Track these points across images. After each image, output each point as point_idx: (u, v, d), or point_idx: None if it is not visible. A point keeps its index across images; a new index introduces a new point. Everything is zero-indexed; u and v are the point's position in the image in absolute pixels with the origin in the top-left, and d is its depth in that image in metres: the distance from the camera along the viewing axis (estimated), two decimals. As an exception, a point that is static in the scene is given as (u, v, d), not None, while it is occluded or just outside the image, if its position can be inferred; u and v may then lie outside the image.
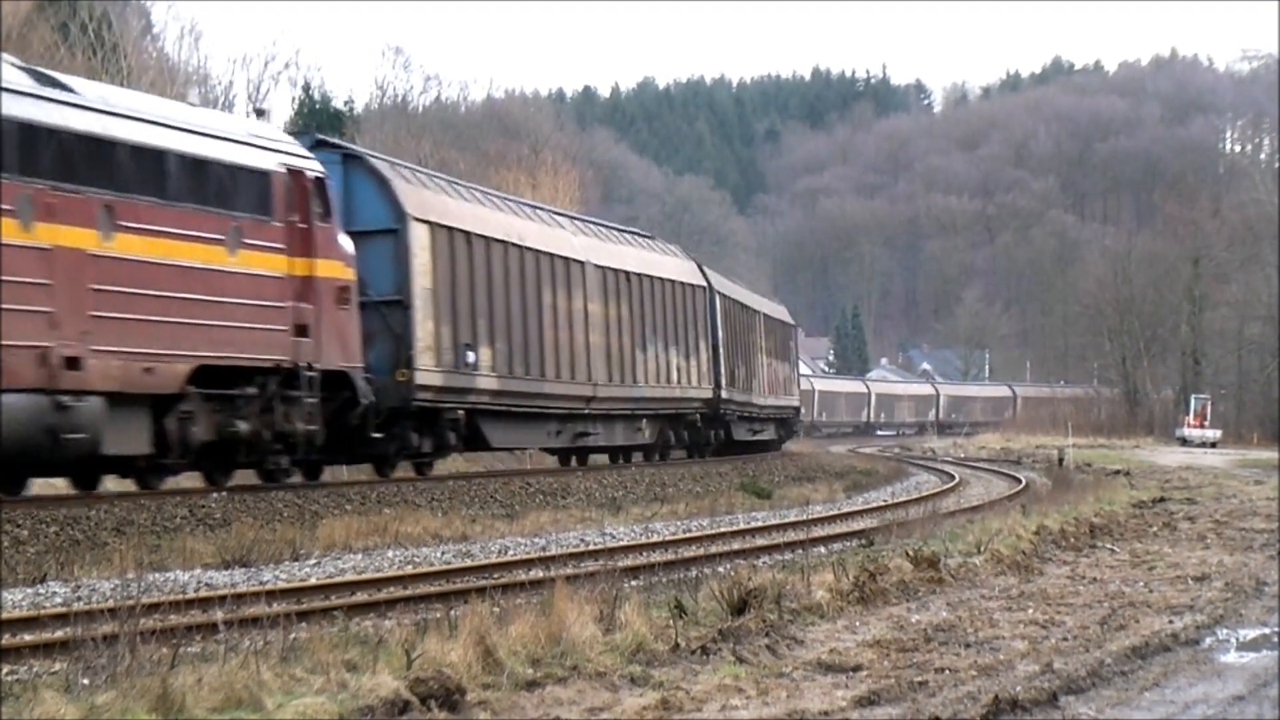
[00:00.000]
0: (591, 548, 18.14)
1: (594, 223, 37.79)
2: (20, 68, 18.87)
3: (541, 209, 35.22)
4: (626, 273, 34.62)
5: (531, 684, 8.83)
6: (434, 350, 26.00)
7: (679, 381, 37.29)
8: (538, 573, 14.36)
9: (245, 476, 22.41)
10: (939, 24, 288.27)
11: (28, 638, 10.62)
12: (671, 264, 38.66)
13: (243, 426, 21.01)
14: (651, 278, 36.10)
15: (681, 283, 38.03)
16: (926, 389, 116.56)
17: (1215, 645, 10.54)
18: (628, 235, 38.83)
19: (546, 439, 32.01)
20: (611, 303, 33.50)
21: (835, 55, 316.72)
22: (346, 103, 57.77)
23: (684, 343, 37.64)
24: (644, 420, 36.05)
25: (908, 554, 14.71)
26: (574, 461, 35.03)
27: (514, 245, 29.30)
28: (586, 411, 32.44)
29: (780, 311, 55.11)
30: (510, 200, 34.00)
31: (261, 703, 7.91)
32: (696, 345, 38.62)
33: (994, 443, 73.24)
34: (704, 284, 40.14)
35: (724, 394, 40.56)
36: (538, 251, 30.29)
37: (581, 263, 32.33)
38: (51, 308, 17.93)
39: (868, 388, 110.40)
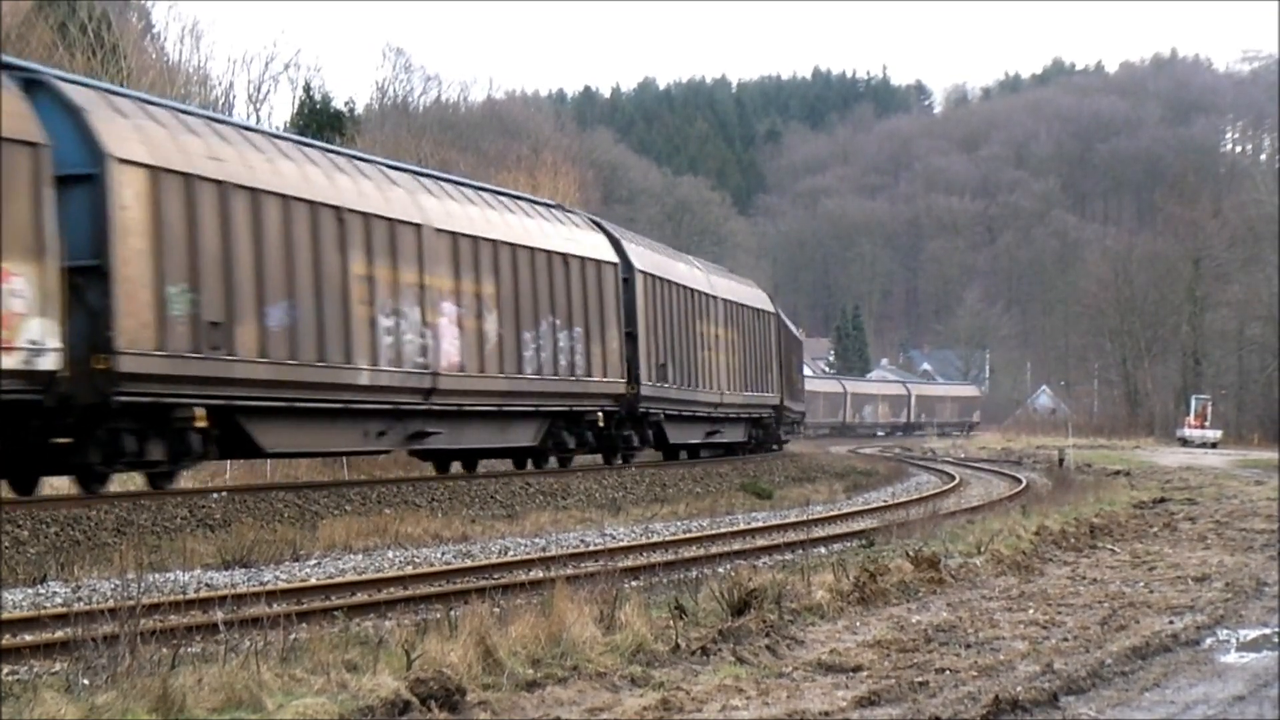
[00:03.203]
0: (591, 548, 18.13)
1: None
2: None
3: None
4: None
5: (532, 684, 8.82)
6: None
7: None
8: (538, 573, 14.37)
9: (248, 478, 22.40)
10: (939, 25, 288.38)
11: (28, 638, 10.62)
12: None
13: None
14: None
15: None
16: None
17: (1215, 646, 10.54)
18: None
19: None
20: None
21: (836, 56, 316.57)
22: (347, 103, 57.48)
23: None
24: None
25: (908, 554, 14.71)
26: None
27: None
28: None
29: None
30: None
31: (262, 703, 7.90)
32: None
33: (994, 443, 73.26)
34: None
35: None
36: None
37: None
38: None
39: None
